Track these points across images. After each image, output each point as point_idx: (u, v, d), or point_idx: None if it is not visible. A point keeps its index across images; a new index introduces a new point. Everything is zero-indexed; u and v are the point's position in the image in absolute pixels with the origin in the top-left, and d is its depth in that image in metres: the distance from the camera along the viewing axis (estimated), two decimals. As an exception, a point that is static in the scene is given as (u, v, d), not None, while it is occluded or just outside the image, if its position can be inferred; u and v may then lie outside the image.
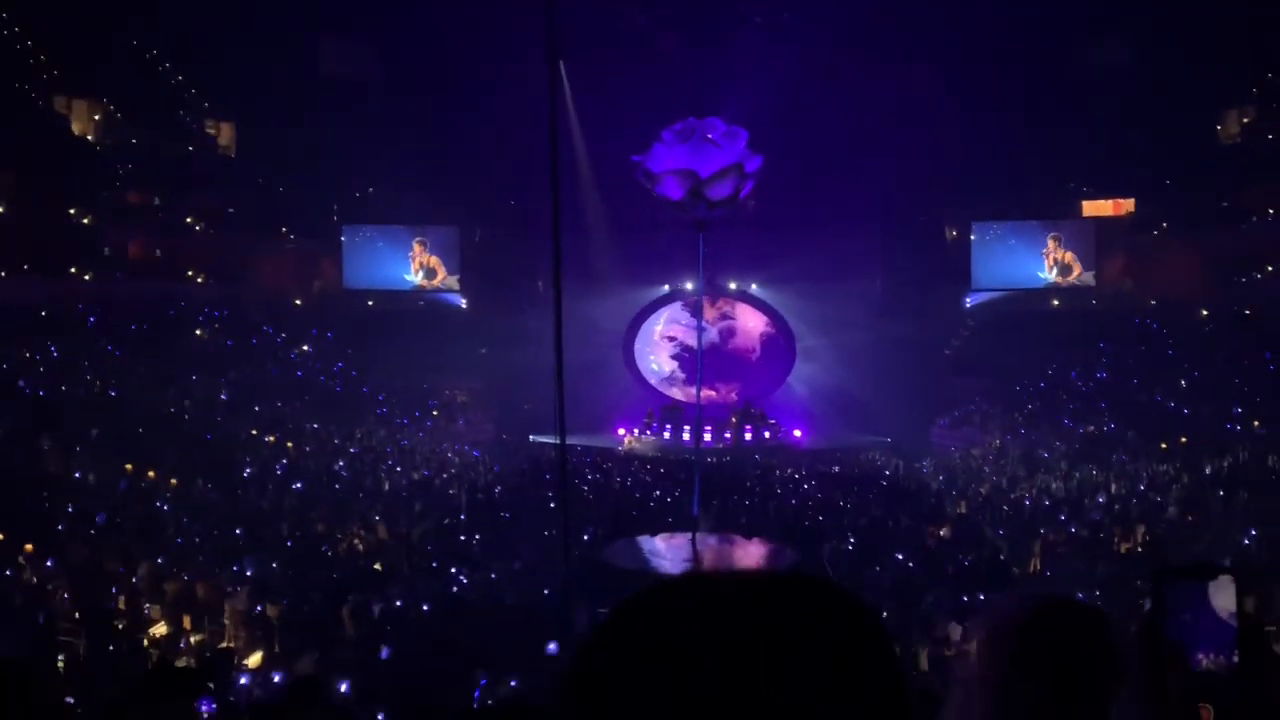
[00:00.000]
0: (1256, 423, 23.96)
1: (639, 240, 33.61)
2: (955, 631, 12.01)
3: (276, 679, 9.47)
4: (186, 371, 27.82)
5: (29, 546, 14.19)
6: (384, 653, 10.98)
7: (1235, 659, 1.00)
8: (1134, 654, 1.04)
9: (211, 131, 38.11)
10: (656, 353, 39.46)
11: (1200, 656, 1.01)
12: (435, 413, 32.89)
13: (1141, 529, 17.54)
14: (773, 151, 17.52)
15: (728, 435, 33.52)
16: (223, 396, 27.47)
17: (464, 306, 38.62)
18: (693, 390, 30.50)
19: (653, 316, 39.26)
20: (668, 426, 33.92)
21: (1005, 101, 32.69)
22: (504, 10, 31.59)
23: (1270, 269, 32.31)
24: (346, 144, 31.45)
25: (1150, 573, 1.06)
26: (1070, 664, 1.38)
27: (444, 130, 33.73)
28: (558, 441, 12.79)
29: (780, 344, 38.98)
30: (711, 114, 16.74)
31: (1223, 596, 1.02)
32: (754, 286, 38.61)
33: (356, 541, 17.69)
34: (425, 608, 13.37)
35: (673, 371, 39.13)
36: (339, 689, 9.33)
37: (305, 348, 33.87)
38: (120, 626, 11.95)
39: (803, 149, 30.82)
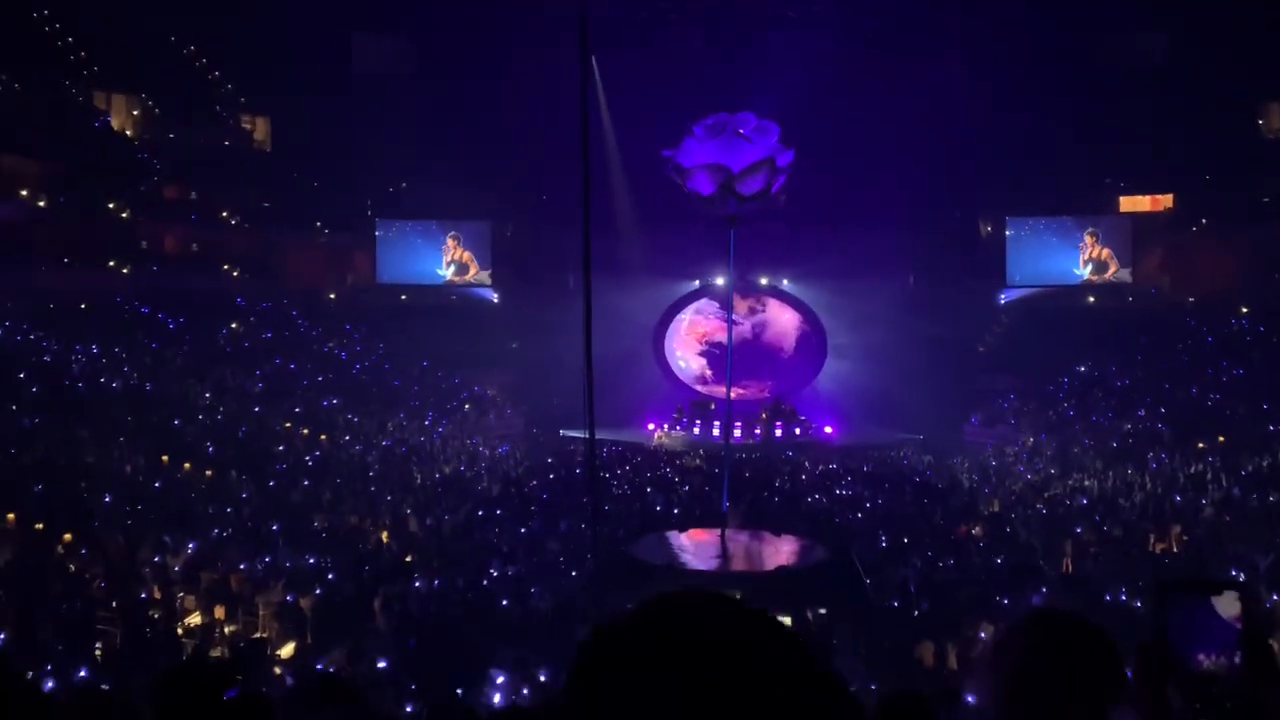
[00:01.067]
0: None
1: (670, 235, 33.53)
2: (987, 630, 11.94)
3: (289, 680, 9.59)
4: (222, 364, 28.14)
5: (67, 536, 14.42)
6: (411, 642, 11.06)
7: (1237, 670, 1.00)
8: (1135, 664, 1.04)
9: (247, 127, 38.48)
10: (685, 350, 39.36)
11: (1201, 665, 1.00)
12: (466, 406, 33.06)
13: (1177, 529, 17.33)
14: (805, 147, 17.44)
15: (758, 431, 33.41)
16: (257, 389, 27.75)
17: (496, 301, 38.78)
18: (722, 387, 30.44)
19: (682, 312, 39.20)
20: (697, 422, 33.86)
21: (1041, 96, 32.30)
22: (537, 7, 31.67)
23: (1312, 266, 31.75)
24: (380, 139, 31.66)
25: (1153, 584, 1.06)
26: (1067, 677, 1.37)
27: (477, 126, 33.83)
28: (587, 436, 12.82)
29: (812, 340, 38.81)
30: (743, 110, 16.69)
31: (1226, 608, 1.02)
32: (785, 282, 38.46)
33: (385, 535, 17.83)
34: (453, 601, 13.46)
35: (701, 370, 39.01)
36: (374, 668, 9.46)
37: (345, 341, 34.13)
38: (156, 616, 12.11)
39: (836, 144, 30.59)
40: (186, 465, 20.24)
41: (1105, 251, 36.62)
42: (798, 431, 33.80)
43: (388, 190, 38.22)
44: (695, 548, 17.98)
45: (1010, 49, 32.33)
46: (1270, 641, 1.05)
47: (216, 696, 2.28)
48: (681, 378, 38.97)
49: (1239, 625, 1.02)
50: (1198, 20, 32.30)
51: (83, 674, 9.58)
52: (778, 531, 18.77)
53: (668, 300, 38.75)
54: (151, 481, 19.01)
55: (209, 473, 20.19)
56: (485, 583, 14.56)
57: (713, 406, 34.57)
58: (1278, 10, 29.65)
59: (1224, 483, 20.47)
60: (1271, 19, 29.74)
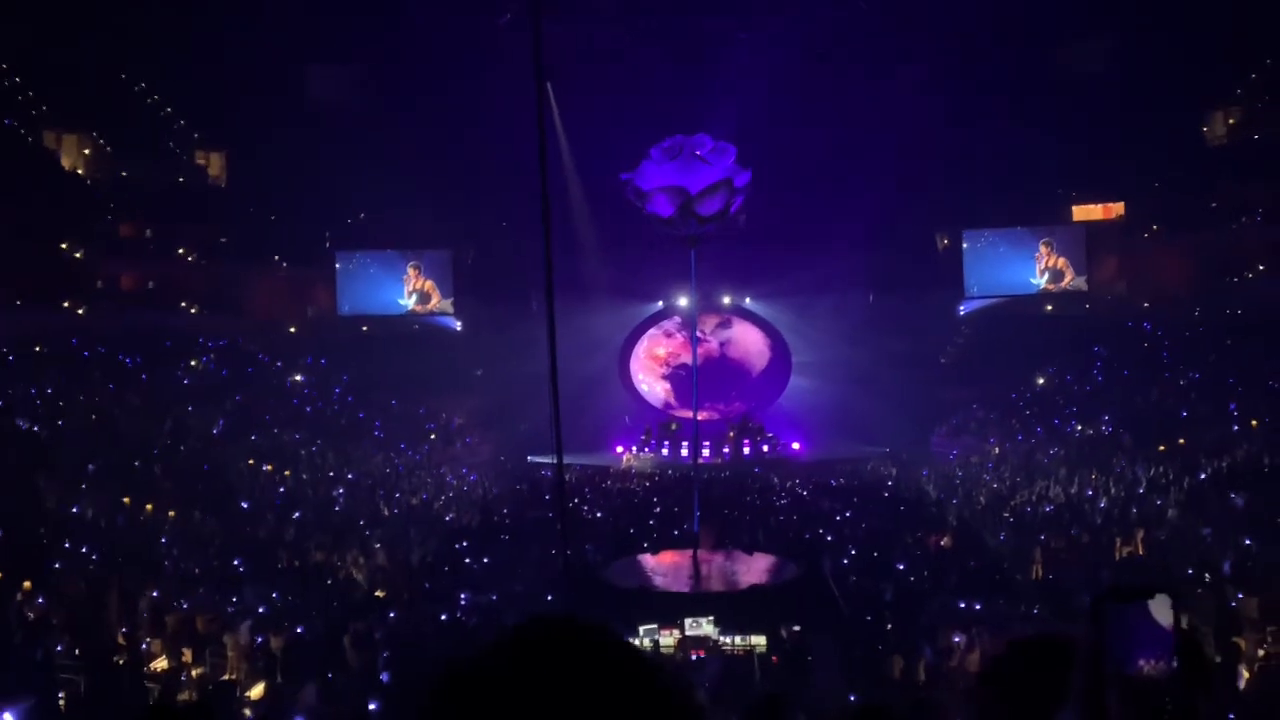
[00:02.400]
0: (1254, 422, 23.99)
1: (632, 258, 33.64)
2: (960, 640, 11.98)
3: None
4: (182, 402, 27.77)
5: (27, 584, 14.11)
6: (383, 676, 10.88)
7: (1172, 675, 1.02)
8: (1075, 676, 1.06)
9: (201, 162, 38.17)
10: (647, 375, 39.22)
11: (1139, 671, 1.02)
12: (432, 436, 32.84)
13: (1141, 532, 17.52)
14: (762, 167, 17.58)
15: (726, 450, 33.47)
16: (218, 426, 27.40)
17: (459, 329, 38.61)
18: (686, 410, 30.49)
19: (646, 334, 39.20)
20: (665, 442, 33.87)
21: (993, 108, 32.79)
22: (491, 33, 31.77)
23: (1261, 268, 32.45)
24: (337, 171, 31.47)
25: (1091, 599, 1.08)
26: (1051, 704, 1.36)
27: (434, 154, 33.78)
28: (556, 461, 12.76)
29: (776, 358, 38.98)
30: (700, 130, 16.82)
31: (1161, 613, 1.04)
32: (748, 301, 38.64)
33: (355, 571, 17.61)
34: (425, 632, 13.31)
35: (666, 395, 38.82)
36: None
37: (299, 376, 33.79)
38: (120, 662, 11.86)
39: (792, 162, 30.89)
40: (149, 506, 19.91)
41: (1061, 260, 37.15)
42: (765, 449, 33.89)
43: (346, 222, 38.02)
44: (668, 570, 17.94)
45: (960, 64, 32.83)
46: (1203, 646, 1.08)
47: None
48: (648, 399, 38.97)
49: (1172, 630, 1.04)
50: (1143, 31, 33.00)
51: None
52: (749, 550, 18.78)
53: (632, 322, 38.79)
54: (113, 524, 18.67)
55: (172, 513, 19.86)
56: (459, 614, 14.42)
57: (674, 427, 34.62)
58: (1221, 20, 30.40)
59: (1185, 485, 20.76)
60: (1215, 29, 30.49)
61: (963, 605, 13.69)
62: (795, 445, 34.49)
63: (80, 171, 34.29)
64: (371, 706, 9.88)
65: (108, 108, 33.61)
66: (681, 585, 16.66)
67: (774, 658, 12.60)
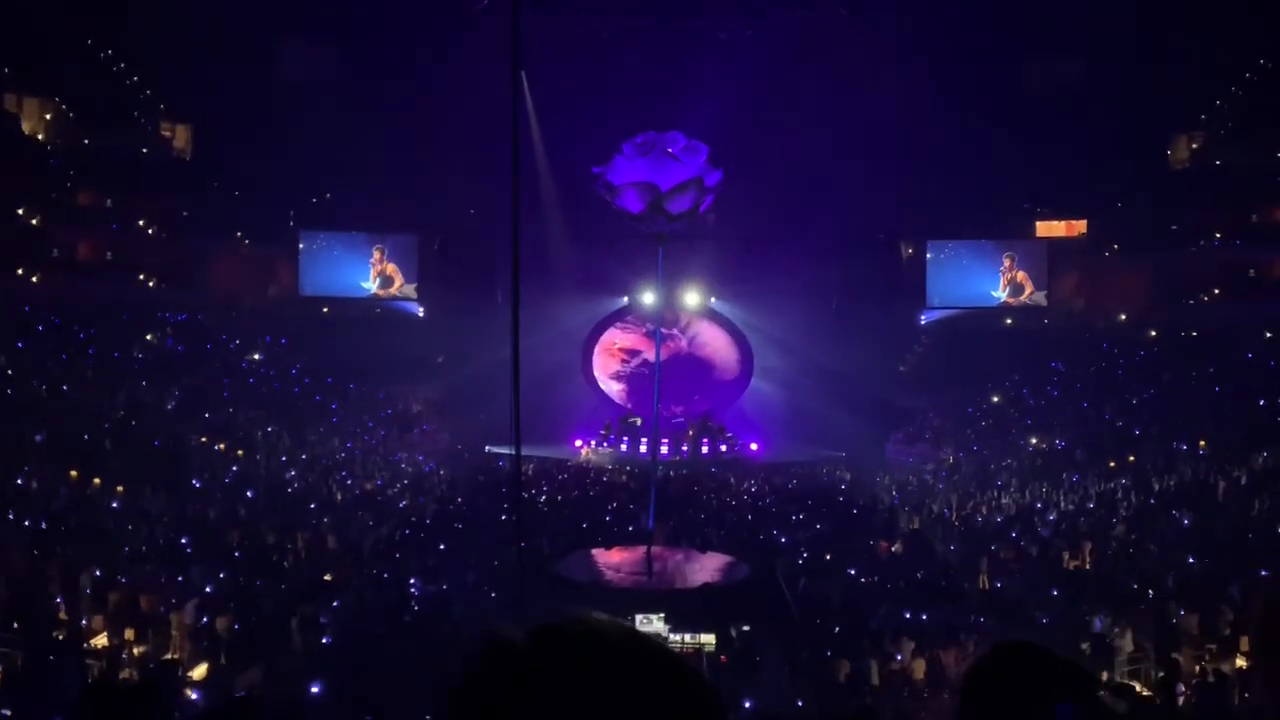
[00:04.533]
0: (1202, 442, 24.42)
1: (599, 251, 33.56)
2: (907, 648, 12.09)
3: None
4: (136, 376, 27.34)
5: (-33, 554, 13.84)
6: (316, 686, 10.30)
7: None
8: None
9: (167, 133, 37.57)
10: (602, 374, 38.83)
11: None
12: (390, 422, 32.58)
13: (1089, 546, 17.78)
14: (733, 168, 17.62)
15: (684, 448, 33.50)
16: (172, 402, 27.01)
17: (420, 315, 38.33)
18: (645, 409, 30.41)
19: (608, 330, 38.99)
20: (625, 438, 33.83)
21: (962, 122, 33.07)
22: (468, 19, 31.58)
23: (1217, 292, 33.06)
24: (305, 149, 31.10)
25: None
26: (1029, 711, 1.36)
27: (404, 137, 33.49)
28: (513, 452, 12.71)
29: (740, 361, 39.01)
30: (673, 128, 16.82)
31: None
32: (712, 300, 38.64)
33: (303, 553, 17.43)
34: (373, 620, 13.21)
35: (621, 396, 38.42)
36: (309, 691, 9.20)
37: (257, 355, 33.38)
38: (60, 638, 11.67)
39: (762, 166, 31.00)
40: (96, 480, 19.60)
41: (1021, 274, 37.56)
42: (724, 448, 33.96)
43: (312, 201, 37.58)
44: (621, 565, 17.95)
45: (932, 78, 33.07)
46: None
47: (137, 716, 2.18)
48: (608, 395, 38.82)
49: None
50: (1112, 52, 33.49)
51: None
52: (703, 549, 18.85)
53: (596, 316, 38.62)
54: (59, 497, 18.35)
55: (120, 488, 19.56)
56: (412, 603, 14.33)
57: (638, 422, 34.54)
58: (1188, 47, 30.93)
59: (1133, 501, 21.09)
60: (1182, 56, 31.01)
61: (909, 613, 13.82)
62: (753, 446, 34.59)
63: (40, 137, 33.63)
64: (314, 689, 9.71)
65: (73, 73, 32.97)
66: (634, 581, 16.68)
67: (723, 657, 12.65)
